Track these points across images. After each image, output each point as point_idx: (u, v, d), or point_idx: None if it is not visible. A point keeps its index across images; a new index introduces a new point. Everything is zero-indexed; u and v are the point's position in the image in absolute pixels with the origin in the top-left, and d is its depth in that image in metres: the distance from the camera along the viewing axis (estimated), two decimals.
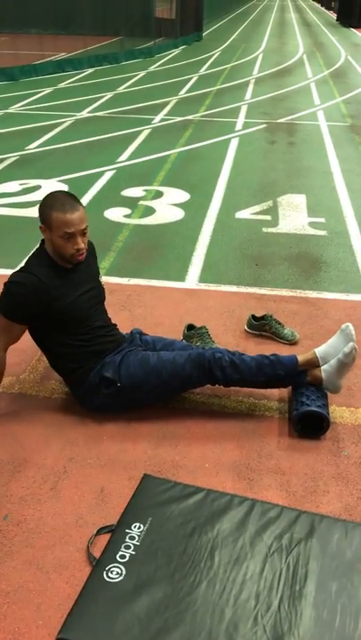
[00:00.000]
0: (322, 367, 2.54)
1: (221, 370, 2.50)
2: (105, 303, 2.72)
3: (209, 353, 2.52)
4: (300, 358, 2.56)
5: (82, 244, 2.42)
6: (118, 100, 9.55)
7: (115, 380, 2.48)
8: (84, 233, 2.42)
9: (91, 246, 2.63)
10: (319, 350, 2.57)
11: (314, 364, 2.55)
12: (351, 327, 2.54)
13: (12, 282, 2.42)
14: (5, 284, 2.42)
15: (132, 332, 2.79)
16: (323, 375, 2.53)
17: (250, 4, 42.75)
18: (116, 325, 2.74)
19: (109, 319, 2.73)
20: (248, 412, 2.64)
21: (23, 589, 1.83)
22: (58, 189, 2.51)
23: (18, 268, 2.52)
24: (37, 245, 2.56)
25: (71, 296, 2.48)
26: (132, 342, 2.69)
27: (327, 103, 9.52)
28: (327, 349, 2.55)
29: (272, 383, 2.60)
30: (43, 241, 2.52)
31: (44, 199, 2.45)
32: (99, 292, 2.67)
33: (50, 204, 2.40)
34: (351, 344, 2.47)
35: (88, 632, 1.69)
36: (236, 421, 2.58)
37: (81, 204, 2.43)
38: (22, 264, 2.59)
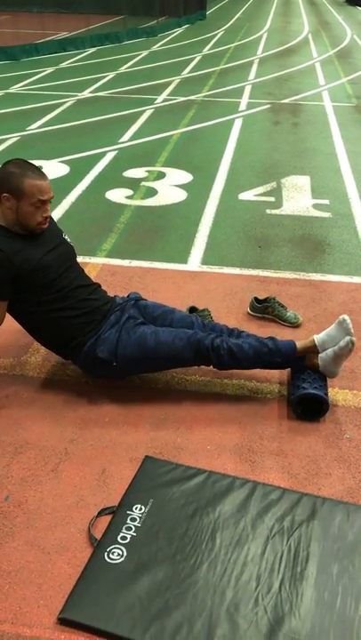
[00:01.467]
0: (319, 355, 2.52)
1: (219, 358, 2.49)
2: (78, 262, 2.66)
3: (208, 340, 2.48)
4: (299, 345, 2.55)
5: (49, 212, 2.42)
6: (120, 79, 9.44)
7: (110, 360, 2.47)
8: (50, 199, 2.42)
9: None
10: (318, 338, 2.54)
11: (313, 350, 2.54)
12: (348, 321, 2.48)
13: None
14: None
15: (128, 296, 2.75)
16: (320, 362, 2.52)
17: None
18: (99, 285, 2.70)
19: (88, 278, 2.67)
20: (250, 394, 2.63)
21: (24, 570, 1.84)
22: (15, 158, 2.43)
23: None
24: None
25: (35, 257, 2.40)
26: (124, 310, 2.60)
27: (332, 83, 9.40)
28: (325, 338, 2.53)
29: (270, 367, 2.61)
30: None
31: (3, 168, 2.35)
32: (67, 249, 2.59)
33: (18, 171, 2.32)
34: (347, 338, 2.44)
35: (89, 612, 1.69)
36: (238, 404, 2.57)
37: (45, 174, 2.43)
38: None
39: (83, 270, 2.67)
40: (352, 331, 2.48)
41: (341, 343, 2.45)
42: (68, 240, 2.65)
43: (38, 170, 2.39)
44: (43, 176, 2.37)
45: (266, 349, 2.50)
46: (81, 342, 2.50)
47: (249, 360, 2.51)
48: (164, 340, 2.49)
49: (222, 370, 2.61)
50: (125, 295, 2.79)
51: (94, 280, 2.78)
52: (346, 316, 2.51)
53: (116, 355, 2.47)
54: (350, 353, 2.49)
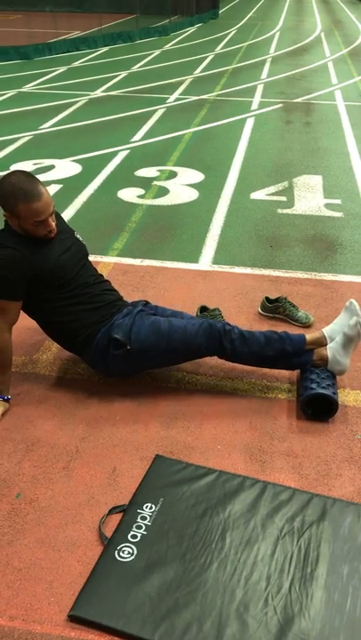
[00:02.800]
0: (328, 346, 2.54)
1: (231, 342, 2.50)
2: (89, 259, 2.68)
3: (220, 325, 2.53)
4: (309, 337, 2.57)
5: (52, 225, 2.39)
6: (133, 79, 9.45)
7: (125, 342, 2.47)
8: (51, 214, 2.37)
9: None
10: (327, 329, 2.58)
11: (321, 342, 2.56)
12: (355, 303, 2.54)
13: None
14: None
15: (137, 302, 2.76)
16: (328, 353, 2.52)
17: None
18: (109, 281, 2.72)
19: (101, 275, 2.70)
20: (260, 394, 2.63)
21: (35, 567, 1.85)
22: (14, 170, 2.38)
23: None
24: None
25: (52, 258, 2.44)
26: (136, 305, 2.67)
27: (345, 82, 9.35)
28: (334, 328, 2.57)
29: (279, 359, 2.57)
30: (6, 221, 2.44)
31: (4, 187, 2.30)
32: (80, 248, 2.62)
33: (11, 192, 2.27)
34: (356, 318, 2.47)
35: (99, 610, 1.70)
36: (249, 403, 2.57)
37: (42, 185, 2.33)
38: None
39: (94, 267, 2.69)
40: (359, 311, 2.50)
41: (351, 322, 2.47)
42: (80, 238, 2.66)
43: (32, 188, 2.28)
44: (36, 196, 2.27)
45: (276, 336, 2.54)
46: (94, 331, 2.51)
47: (260, 345, 2.51)
48: (177, 325, 2.52)
49: (234, 359, 2.57)
50: (132, 300, 2.81)
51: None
52: (353, 300, 2.54)
53: (130, 338, 2.48)
54: (360, 337, 2.49)
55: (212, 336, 2.50)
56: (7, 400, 2.51)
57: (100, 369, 2.62)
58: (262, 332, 2.56)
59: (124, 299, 2.75)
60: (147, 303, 2.75)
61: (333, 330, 2.55)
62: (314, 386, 2.44)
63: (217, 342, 2.50)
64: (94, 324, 2.52)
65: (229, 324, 2.55)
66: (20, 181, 2.30)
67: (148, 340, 2.49)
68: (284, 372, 2.72)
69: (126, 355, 2.49)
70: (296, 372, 2.72)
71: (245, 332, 2.53)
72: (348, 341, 2.50)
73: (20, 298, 2.45)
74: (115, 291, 2.72)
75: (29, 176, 2.35)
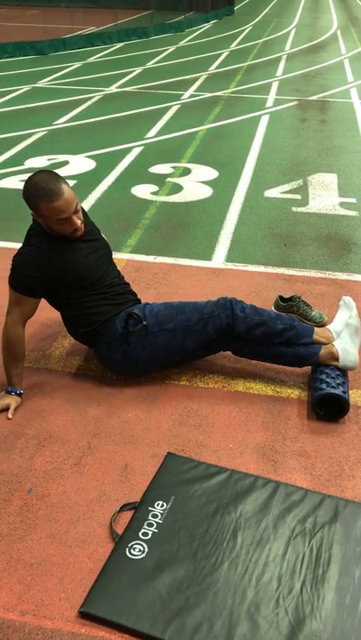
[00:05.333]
0: (335, 342, 2.56)
1: (242, 310, 2.54)
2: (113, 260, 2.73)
3: (229, 298, 2.59)
4: (316, 329, 2.65)
5: (78, 222, 2.39)
6: (147, 75, 9.43)
7: (141, 319, 2.51)
8: (76, 212, 2.37)
9: (82, 209, 2.54)
10: (330, 326, 2.65)
11: (328, 335, 2.60)
12: (349, 298, 2.70)
13: (16, 255, 2.44)
14: (13, 258, 2.45)
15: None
16: (338, 346, 2.54)
17: None
18: (129, 284, 2.76)
19: (123, 277, 2.75)
20: (273, 393, 2.61)
21: (47, 562, 1.85)
22: (39, 170, 2.40)
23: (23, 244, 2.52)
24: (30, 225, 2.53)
25: (78, 259, 2.47)
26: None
27: None
28: (336, 323, 2.65)
29: (288, 342, 2.53)
30: (34, 224, 2.49)
31: (26, 186, 2.34)
32: (105, 249, 2.66)
33: (34, 193, 2.30)
34: (355, 311, 2.61)
35: (110, 607, 1.70)
36: (262, 403, 2.56)
37: (65, 183, 2.33)
38: None
39: (117, 267, 2.73)
40: (354, 305, 2.65)
41: (351, 313, 2.61)
42: (105, 238, 2.70)
43: (53, 187, 2.28)
44: (57, 194, 2.28)
45: (286, 316, 2.63)
46: (111, 318, 2.55)
47: (270, 317, 2.55)
48: (188, 302, 2.62)
49: (245, 330, 2.50)
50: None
51: None
52: (345, 297, 2.71)
53: (145, 315, 2.53)
54: None
55: (223, 305, 2.55)
56: (20, 395, 2.51)
57: (114, 361, 2.58)
58: (272, 310, 2.70)
59: (139, 294, 2.83)
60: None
61: (336, 324, 2.64)
62: (324, 386, 2.43)
63: (228, 309, 2.53)
64: (111, 314, 2.56)
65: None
66: (41, 181, 2.32)
67: (162, 315, 2.54)
68: (298, 371, 2.71)
69: (144, 333, 2.51)
70: (308, 371, 2.70)
71: (256, 306, 2.61)
72: (354, 331, 2.57)
73: (40, 296, 2.48)
74: (132, 291, 2.76)
75: (52, 175, 2.36)
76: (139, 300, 2.72)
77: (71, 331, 2.68)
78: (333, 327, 2.63)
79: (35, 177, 2.36)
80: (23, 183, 2.40)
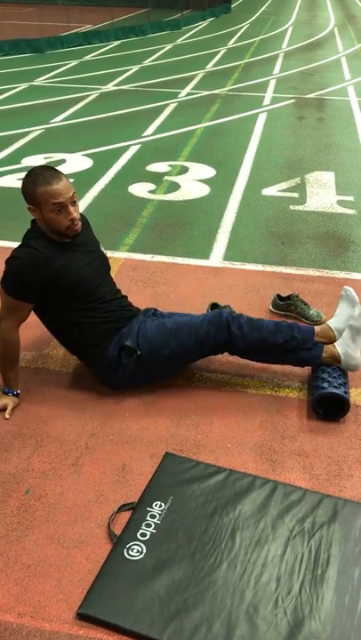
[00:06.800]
0: (336, 343, 2.51)
1: (239, 327, 2.46)
2: (111, 274, 2.68)
3: (226, 312, 2.51)
4: (317, 329, 2.56)
5: (75, 214, 2.36)
6: (144, 73, 9.41)
7: (134, 348, 2.46)
8: (73, 202, 2.35)
9: (83, 218, 2.57)
10: (332, 322, 2.56)
11: (329, 335, 2.53)
12: (351, 289, 2.55)
13: (10, 258, 2.37)
14: (6, 261, 2.37)
15: (146, 310, 2.75)
16: (339, 349, 2.49)
17: None
18: (126, 297, 2.70)
19: (119, 290, 2.68)
20: (272, 393, 2.60)
21: (44, 564, 1.84)
22: (37, 165, 2.44)
23: (17, 246, 2.44)
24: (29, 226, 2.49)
25: (74, 267, 2.42)
26: (146, 314, 2.68)
27: (358, 78, 9.26)
28: (338, 318, 2.55)
29: (289, 349, 2.50)
30: (33, 221, 2.45)
31: (24, 178, 2.36)
32: (103, 261, 2.61)
33: (31, 180, 2.32)
34: (358, 308, 2.47)
35: (108, 609, 1.69)
36: (260, 402, 2.55)
37: (63, 174, 2.36)
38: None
39: (114, 283, 2.67)
40: (357, 299, 2.51)
41: (355, 313, 2.47)
42: (104, 251, 2.66)
43: (52, 173, 2.33)
44: (55, 179, 2.30)
45: (285, 324, 2.53)
46: (104, 346, 2.50)
47: (269, 331, 2.47)
48: (181, 320, 2.53)
49: (244, 348, 2.49)
50: (149, 303, 2.81)
51: (116, 275, 2.79)
52: (347, 287, 2.56)
53: (138, 342, 2.47)
54: None
55: (218, 323, 2.47)
56: (17, 395, 2.50)
57: (110, 381, 2.57)
58: (271, 319, 2.58)
59: (136, 293, 2.75)
60: (156, 311, 2.73)
61: (338, 321, 2.53)
62: (325, 385, 2.42)
63: (225, 329, 2.47)
64: (105, 338, 2.50)
65: (235, 312, 2.54)
66: (40, 169, 2.39)
67: (155, 339, 2.47)
68: (296, 370, 2.70)
69: (139, 361, 2.47)
70: (307, 371, 2.69)
71: (253, 318, 2.52)
72: (356, 333, 2.49)
73: (33, 300, 2.43)
74: (130, 306, 2.67)
75: (51, 167, 2.41)
76: (135, 314, 2.63)
77: (64, 343, 2.63)
78: (335, 324, 2.54)
79: (33, 169, 2.40)
80: (21, 182, 2.40)
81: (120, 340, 2.49)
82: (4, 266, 2.38)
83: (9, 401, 2.47)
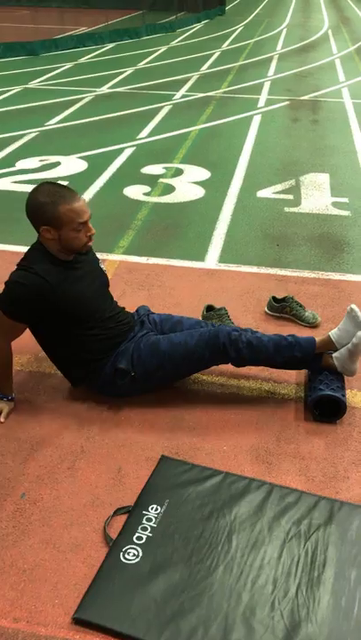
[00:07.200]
0: (333, 355, 2.50)
1: (237, 351, 2.44)
2: (109, 288, 2.63)
3: (223, 334, 2.45)
4: (318, 340, 2.53)
5: (93, 230, 2.32)
6: (139, 75, 9.42)
7: (128, 370, 2.44)
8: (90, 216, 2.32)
9: None
10: (333, 334, 2.51)
11: (330, 347, 2.51)
12: (356, 309, 2.47)
13: (13, 281, 2.28)
14: (7, 283, 2.29)
15: (137, 311, 2.72)
16: (336, 362, 2.48)
17: None
18: (123, 309, 2.66)
19: (117, 304, 2.64)
20: (267, 395, 2.60)
21: (40, 568, 1.83)
22: (41, 183, 2.31)
23: (18, 266, 2.35)
24: (31, 246, 2.42)
25: (76, 291, 2.37)
26: (142, 325, 2.63)
27: (352, 80, 9.29)
28: (340, 334, 2.50)
29: (287, 364, 2.54)
30: (37, 244, 2.38)
31: (36, 198, 2.24)
32: (103, 279, 2.57)
33: (49, 199, 2.21)
34: (359, 334, 2.40)
35: (104, 613, 1.69)
36: (255, 405, 2.55)
37: (77, 194, 2.30)
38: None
39: (112, 297, 2.63)
40: None
41: (355, 340, 2.42)
42: (104, 269, 2.63)
43: (69, 191, 2.26)
44: (75, 197, 2.24)
45: (285, 342, 2.48)
46: (99, 365, 2.47)
47: (268, 354, 2.46)
48: (177, 341, 2.46)
49: (240, 366, 2.55)
50: (135, 305, 2.76)
51: (111, 278, 2.76)
52: (354, 306, 2.48)
53: (133, 364, 2.44)
54: None
55: (215, 346, 2.43)
56: (11, 399, 2.49)
57: (106, 393, 2.55)
58: (271, 339, 2.48)
59: (132, 296, 2.70)
60: (150, 315, 2.70)
61: (340, 335, 2.48)
62: (323, 387, 2.42)
63: (221, 353, 2.45)
64: (101, 356, 2.47)
65: (237, 331, 2.48)
66: (54, 187, 2.26)
67: (150, 363, 2.45)
68: (291, 373, 2.70)
69: (133, 381, 2.46)
70: (303, 373, 2.70)
71: (253, 340, 2.45)
72: (354, 354, 2.45)
73: (30, 322, 2.39)
74: (127, 319, 2.61)
75: (59, 184, 2.32)
76: (130, 330, 2.57)
77: (55, 360, 2.56)
78: (337, 339, 2.48)
79: (42, 187, 2.27)
80: (22, 192, 2.37)
81: (115, 360, 2.46)
82: (5, 286, 2.30)
83: (4, 405, 2.46)
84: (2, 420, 2.42)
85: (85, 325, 2.43)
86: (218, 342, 2.44)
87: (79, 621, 1.67)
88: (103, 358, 2.48)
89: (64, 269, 2.36)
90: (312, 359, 2.51)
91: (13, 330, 2.38)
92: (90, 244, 2.36)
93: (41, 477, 2.16)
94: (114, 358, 2.48)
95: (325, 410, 2.43)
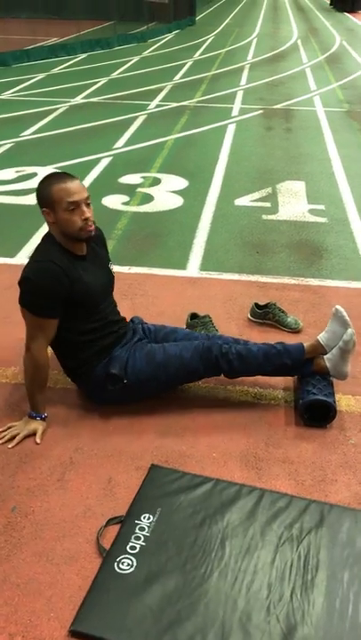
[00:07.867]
0: (325, 357, 2.53)
1: (228, 363, 2.48)
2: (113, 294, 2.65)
3: (216, 347, 2.48)
4: (307, 345, 2.56)
5: (88, 214, 2.31)
6: (113, 85, 9.45)
7: (121, 377, 2.44)
8: (87, 204, 2.32)
9: (100, 232, 2.55)
10: (322, 337, 2.56)
11: (320, 350, 2.55)
12: (341, 309, 2.54)
13: (28, 277, 2.29)
14: (21, 281, 2.30)
15: (132, 321, 2.75)
16: (328, 364, 2.52)
17: None
18: (125, 319, 2.68)
19: (119, 312, 2.66)
20: (254, 401, 2.63)
21: (34, 582, 1.82)
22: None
23: (28, 262, 2.36)
24: (41, 237, 2.45)
25: (86, 280, 2.39)
26: (135, 332, 2.65)
27: (323, 89, 9.45)
28: (328, 336, 2.55)
29: (279, 372, 2.59)
30: (47, 234, 2.42)
31: (39, 183, 2.34)
32: (110, 279, 2.60)
33: (47, 182, 2.31)
34: (350, 331, 2.47)
35: (100, 624, 1.68)
36: (243, 411, 2.56)
37: (77, 178, 2.34)
38: (22, 253, 2.49)
39: (116, 304, 2.65)
40: (348, 320, 2.51)
41: (345, 337, 2.47)
42: (113, 270, 2.64)
43: (66, 175, 2.32)
44: (68, 179, 2.29)
45: (275, 351, 2.51)
46: (92, 365, 2.48)
47: (258, 363, 2.50)
48: (173, 353, 2.48)
49: (233, 378, 2.59)
50: (128, 315, 2.78)
51: None
52: (338, 307, 2.55)
53: (127, 372, 2.45)
54: (355, 346, 2.50)
55: (208, 359, 2.48)
56: (44, 419, 2.45)
57: (97, 399, 2.56)
58: (260, 348, 2.52)
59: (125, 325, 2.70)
60: (143, 325, 2.72)
61: (328, 338, 2.53)
62: (316, 391, 2.45)
63: (214, 367, 2.50)
64: (96, 356, 2.48)
65: (228, 343, 2.52)
66: (54, 173, 2.37)
67: (144, 372, 2.46)
68: (278, 379, 2.73)
69: (124, 388, 2.46)
70: (291, 379, 2.72)
71: (243, 351, 2.49)
72: (345, 353, 2.49)
73: (58, 315, 2.36)
74: (123, 319, 2.65)
75: (65, 172, 2.40)
76: (125, 334, 2.60)
77: (60, 357, 2.58)
78: (326, 341, 2.53)
79: (48, 174, 2.37)
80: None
81: (108, 365, 2.46)
82: (21, 285, 2.30)
83: (38, 425, 2.41)
84: (38, 440, 2.36)
85: (88, 322, 2.44)
86: (211, 356, 2.47)
87: (76, 634, 1.67)
88: (97, 362, 2.48)
89: (73, 260, 2.37)
90: (303, 365, 2.54)
91: (45, 330, 2.35)
92: (89, 229, 2.33)
93: (31, 490, 2.15)
94: (107, 361, 2.48)
95: (315, 414, 2.46)
